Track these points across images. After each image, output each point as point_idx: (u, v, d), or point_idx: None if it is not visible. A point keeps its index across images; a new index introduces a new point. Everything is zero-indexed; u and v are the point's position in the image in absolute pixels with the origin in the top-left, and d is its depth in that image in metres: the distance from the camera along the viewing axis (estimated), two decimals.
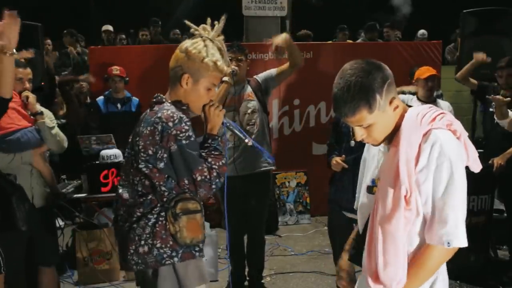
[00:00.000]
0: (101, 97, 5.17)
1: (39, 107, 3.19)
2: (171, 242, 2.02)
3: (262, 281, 3.95)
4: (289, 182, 5.62)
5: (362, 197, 1.85)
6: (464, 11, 4.63)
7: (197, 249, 2.11)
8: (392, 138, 1.64)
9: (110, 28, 8.23)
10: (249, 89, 3.67)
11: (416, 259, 1.61)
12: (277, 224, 5.46)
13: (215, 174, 2.02)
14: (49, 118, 3.30)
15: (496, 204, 4.36)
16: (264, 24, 6.15)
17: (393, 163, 1.58)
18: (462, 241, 1.56)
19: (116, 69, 5.05)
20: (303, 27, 8.15)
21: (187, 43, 2.09)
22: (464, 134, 1.63)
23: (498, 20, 4.56)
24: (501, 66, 4.26)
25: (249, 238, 3.87)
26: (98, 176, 3.91)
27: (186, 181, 1.99)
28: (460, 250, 1.59)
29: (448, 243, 1.55)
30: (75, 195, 3.95)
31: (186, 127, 1.99)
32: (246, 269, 3.90)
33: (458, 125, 1.63)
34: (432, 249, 1.58)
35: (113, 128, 4.65)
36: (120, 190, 2.14)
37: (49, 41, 6.25)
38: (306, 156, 5.78)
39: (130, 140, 2.15)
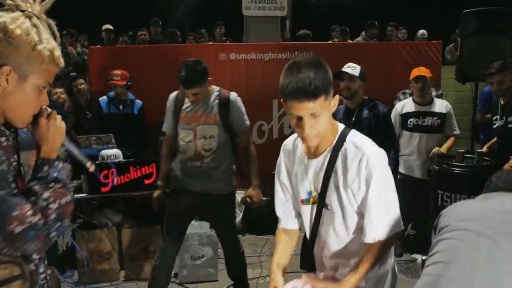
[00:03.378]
0: (105, 97, 5.11)
1: None
2: None
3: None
4: None
5: (301, 209, 2.03)
6: (464, 11, 4.62)
7: None
8: (324, 145, 1.80)
9: (110, 27, 8.22)
10: (215, 110, 3.29)
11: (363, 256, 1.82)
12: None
13: (53, 216, 1.34)
14: None
15: None
16: (264, 24, 6.16)
17: (330, 172, 1.79)
18: (383, 235, 1.80)
19: (117, 75, 4.88)
20: (303, 27, 8.15)
21: (3, 17, 1.35)
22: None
23: (498, 20, 4.54)
24: (491, 73, 4.07)
25: (225, 250, 3.65)
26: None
27: None
28: None
29: (374, 239, 1.79)
30: (75, 195, 3.93)
31: None
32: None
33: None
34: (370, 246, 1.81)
35: (111, 129, 4.64)
36: None
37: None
38: None
39: None
